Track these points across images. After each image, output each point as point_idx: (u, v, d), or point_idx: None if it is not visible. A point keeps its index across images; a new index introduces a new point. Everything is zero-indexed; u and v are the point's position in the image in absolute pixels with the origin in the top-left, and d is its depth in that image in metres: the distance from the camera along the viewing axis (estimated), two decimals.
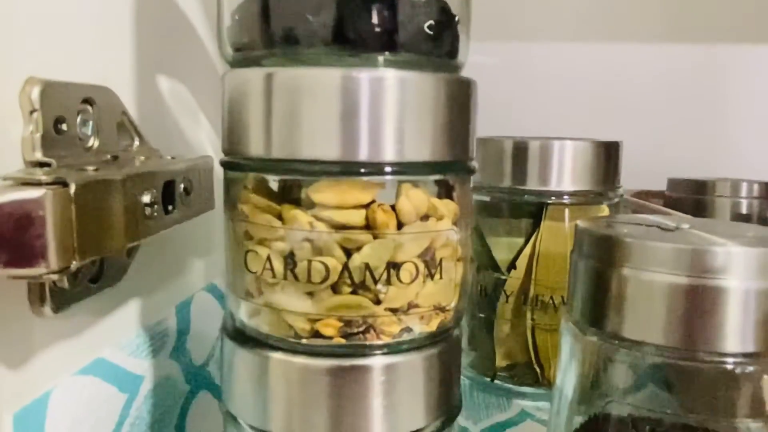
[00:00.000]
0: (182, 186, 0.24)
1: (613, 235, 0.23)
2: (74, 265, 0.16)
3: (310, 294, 0.20)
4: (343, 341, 0.20)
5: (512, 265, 0.38)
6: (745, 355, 0.21)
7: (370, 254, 0.19)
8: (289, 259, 0.19)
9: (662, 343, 0.21)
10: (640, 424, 0.22)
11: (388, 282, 0.20)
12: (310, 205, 0.20)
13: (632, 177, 0.41)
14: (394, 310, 0.20)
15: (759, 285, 0.21)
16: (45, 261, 0.15)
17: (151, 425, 0.28)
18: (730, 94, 0.54)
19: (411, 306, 0.20)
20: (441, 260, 0.20)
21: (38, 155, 0.19)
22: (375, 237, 0.19)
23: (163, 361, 0.28)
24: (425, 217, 0.21)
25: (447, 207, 0.21)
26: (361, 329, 0.20)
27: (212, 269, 0.36)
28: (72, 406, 0.22)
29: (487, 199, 0.39)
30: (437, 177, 0.21)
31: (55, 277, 0.16)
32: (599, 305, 0.23)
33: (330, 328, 0.20)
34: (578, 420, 0.25)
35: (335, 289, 0.20)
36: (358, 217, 0.19)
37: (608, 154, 0.38)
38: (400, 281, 0.20)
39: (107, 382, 0.24)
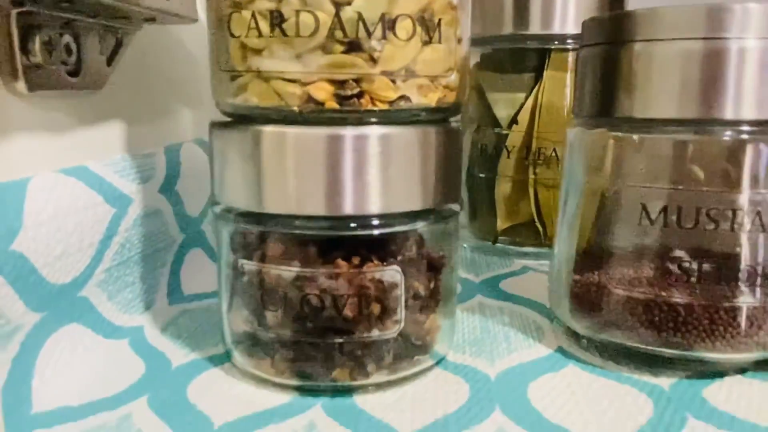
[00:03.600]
0: None
1: (622, 12, 0.22)
2: None
3: (300, 56, 0.18)
4: (336, 106, 0.19)
5: (514, 120, 0.37)
6: (761, 122, 0.20)
7: (363, 4, 0.18)
8: (276, 13, 0.18)
9: (676, 117, 0.20)
10: (651, 205, 0.21)
11: (384, 37, 0.18)
12: None
13: None
14: (390, 74, 0.19)
15: None
16: None
17: (143, 257, 0.27)
18: None
19: (408, 72, 0.19)
20: (440, 23, 0.19)
21: None
22: None
23: (153, 193, 0.27)
24: None
25: None
26: (355, 92, 0.18)
27: (201, 126, 0.35)
28: (54, 199, 0.20)
29: (487, 51, 0.37)
30: None
31: None
32: (609, 92, 0.22)
33: (322, 91, 0.18)
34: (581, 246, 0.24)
35: (326, 48, 0.18)
36: None
37: None
38: (397, 37, 0.18)
39: (92, 189, 0.23)
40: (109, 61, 0.24)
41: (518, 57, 0.37)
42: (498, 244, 0.38)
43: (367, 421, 0.19)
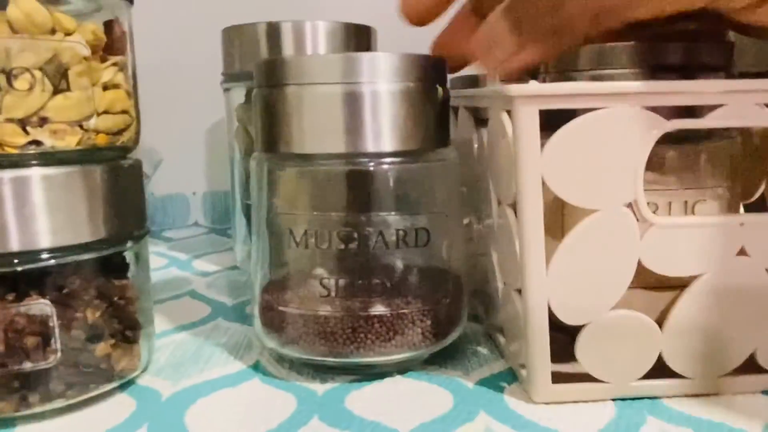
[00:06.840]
0: None
1: (276, 57, 0.24)
2: None
3: None
4: None
5: None
6: (396, 153, 0.23)
7: None
8: None
9: (323, 152, 0.23)
10: (296, 229, 0.23)
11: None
12: None
13: None
14: (17, 121, 0.20)
15: (398, 86, 0.23)
16: None
17: None
18: None
19: (42, 119, 0.21)
20: (67, 73, 0.21)
21: None
22: None
23: None
24: (53, 32, 0.21)
25: (84, 28, 0.21)
26: None
27: None
28: None
29: (244, 89, 0.40)
30: None
31: None
32: (273, 129, 0.24)
33: None
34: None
35: None
36: None
37: (360, 36, 0.39)
38: (15, 89, 0.20)
39: None
40: None
41: None
42: None
43: None
